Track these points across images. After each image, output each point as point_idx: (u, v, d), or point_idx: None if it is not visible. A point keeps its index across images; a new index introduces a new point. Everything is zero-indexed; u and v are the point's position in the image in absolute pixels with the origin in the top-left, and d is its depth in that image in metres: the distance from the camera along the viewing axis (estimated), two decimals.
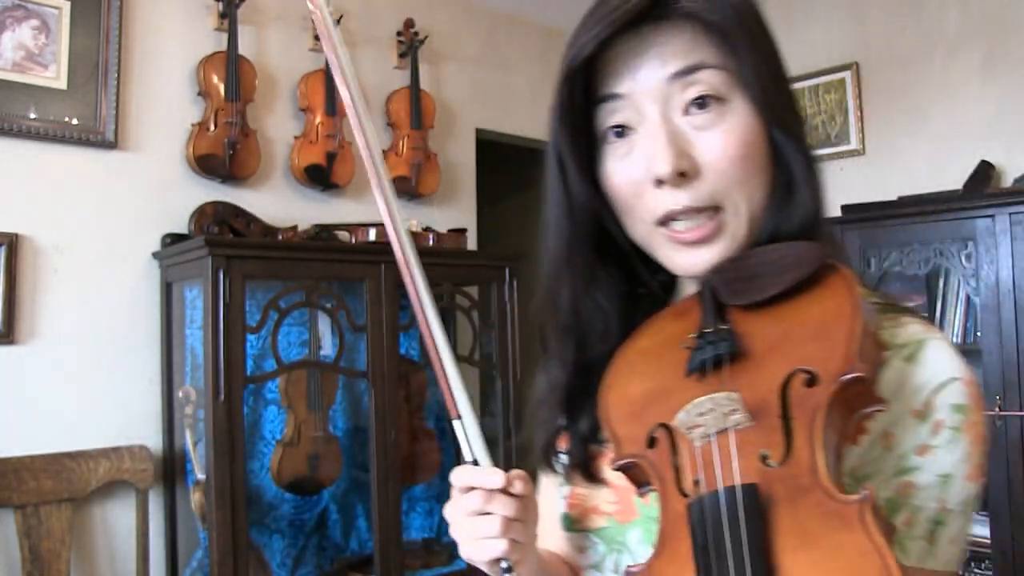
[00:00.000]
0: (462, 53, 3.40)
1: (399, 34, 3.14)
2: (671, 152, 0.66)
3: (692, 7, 0.67)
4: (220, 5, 2.65)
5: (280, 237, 2.59)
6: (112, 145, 2.46)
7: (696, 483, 0.57)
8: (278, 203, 2.79)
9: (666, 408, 0.61)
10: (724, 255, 0.68)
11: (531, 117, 3.62)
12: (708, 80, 0.67)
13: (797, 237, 0.68)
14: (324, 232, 2.68)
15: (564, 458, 0.77)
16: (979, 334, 2.57)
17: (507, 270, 2.95)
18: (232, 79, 2.60)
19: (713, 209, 0.67)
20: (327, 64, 2.84)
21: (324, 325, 2.71)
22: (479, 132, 3.45)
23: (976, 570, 2.63)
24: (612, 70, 0.69)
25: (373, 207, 3.05)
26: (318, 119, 2.84)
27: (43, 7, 2.35)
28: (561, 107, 0.70)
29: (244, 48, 2.67)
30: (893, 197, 2.88)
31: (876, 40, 3.19)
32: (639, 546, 0.71)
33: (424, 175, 3.11)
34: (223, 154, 2.60)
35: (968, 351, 2.74)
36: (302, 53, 2.90)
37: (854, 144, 3.23)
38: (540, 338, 0.81)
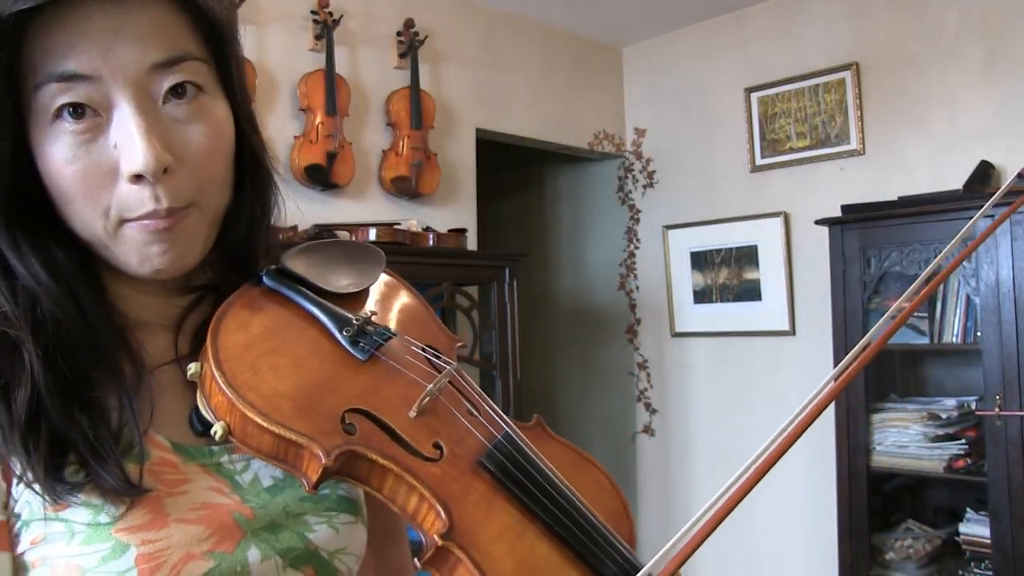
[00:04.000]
0: (462, 53, 3.40)
1: (399, 34, 3.14)
2: (156, 147, 0.59)
3: None
4: None
5: (280, 237, 2.58)
6: None
7: (437, 446, 0.62)
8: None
9: (349, 393, 0.62)
10: (190, 257, 0.65)
11: (531, 117, 3.62)
12: (191, 70, 0.62)
13: (264, 240, 0.74)
14: (324, 232, 2.68)
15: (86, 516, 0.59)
16: (979, 334, 2.57)
17: (507, 270, 2.95)
18: None
19: (182, 210, 0.63)
20: (327, 63, 2.85)
21: None
22: (479, 132, 3.45)
23: (976, 570, 2.63)
24: (66, 39, 0.58)
25: (373, 207, 3.05)
26: (318, 119, 2.84)
27: None
28: None
29: (244, 48, 2.67)
30: (893, 197, 2.88)
31: (876, 40, 3.19)
32: (262, 564, 0.62)
33: (424, 175, 3.11)
34: None
35: (968, 351, 2.74)
36: (302, 53, 2.90)
37: (854, 144, 3.23)
38: None
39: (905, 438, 2.73)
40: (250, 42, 2.75)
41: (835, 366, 2.75)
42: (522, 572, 0.58)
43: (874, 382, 2.85)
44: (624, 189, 4.01)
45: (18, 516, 0.59)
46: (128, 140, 0.59)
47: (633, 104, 4.02)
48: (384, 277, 0.77)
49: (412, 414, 0.63)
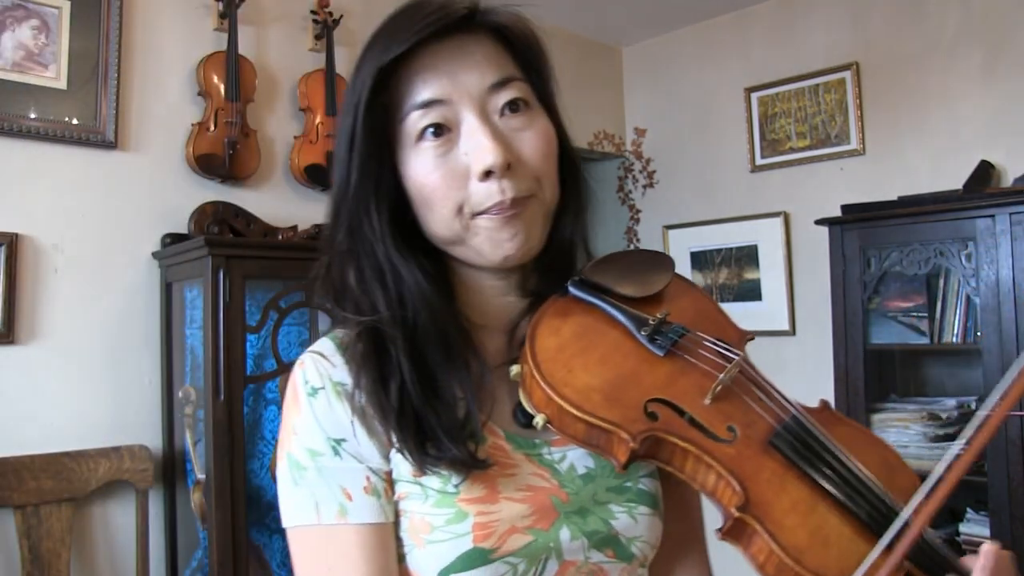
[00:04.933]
0: None
1: None
2: (500, 145, 0.72)
3: (503, 21, 0.77)
4: (220, 5, 2.65)
5: (280, 237, 2.58)
6: (112, 145, 2.46)
7: (730, 429, 0.69)
8: (278, 203, 2.79)
9: (649, 385, 0.71)
10: (533, 243, 0.76)
11: None
12: (518, 88, 0.76)
13: (584, 240, 0.84)
14: (324, 232, 2.67)
15: (441, 483, 0.72)
16: (979, 334, 2.57)
17: None
18: (232, 79, 2.60)
19: (525, 200, 0.74)
20: (327, 64, 2.85)
21: (324, 325, 2.71)
22: None
23: None
24: (423, 75, 0.73)
25: None
26: (318, 119, 2.84)
27: (43, 7, 2.35)
28: (368, 105, 0.73)
29: (244, 48, 2.67)
30: (893, 197, 2.88)
31: (876, 40, 3.19)
32: (571, 543, 0.74)
33: None
34: (223, 154, 2.60)
35: (968, 351, 2.74)
36: (302, 53, 2.90)
37: (854, 144, 3.23)
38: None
39: (905, 438, 2.73)
40: (250, 43, 2.75)
41: (835, 366, 2.71)
42: (815, 543, 0.64)
43: (874, 382, 2.85)
44: (624, 189, 4.01)
45: (390, 473, 0.73)
46: (477, 144, 0.72)
47: (633, 104, 4.02)
48: (675, 279, 0.84)
49: (707, 401, 0.71)
